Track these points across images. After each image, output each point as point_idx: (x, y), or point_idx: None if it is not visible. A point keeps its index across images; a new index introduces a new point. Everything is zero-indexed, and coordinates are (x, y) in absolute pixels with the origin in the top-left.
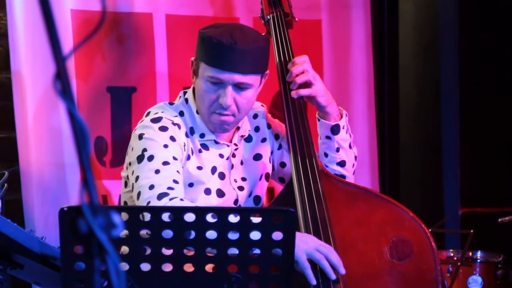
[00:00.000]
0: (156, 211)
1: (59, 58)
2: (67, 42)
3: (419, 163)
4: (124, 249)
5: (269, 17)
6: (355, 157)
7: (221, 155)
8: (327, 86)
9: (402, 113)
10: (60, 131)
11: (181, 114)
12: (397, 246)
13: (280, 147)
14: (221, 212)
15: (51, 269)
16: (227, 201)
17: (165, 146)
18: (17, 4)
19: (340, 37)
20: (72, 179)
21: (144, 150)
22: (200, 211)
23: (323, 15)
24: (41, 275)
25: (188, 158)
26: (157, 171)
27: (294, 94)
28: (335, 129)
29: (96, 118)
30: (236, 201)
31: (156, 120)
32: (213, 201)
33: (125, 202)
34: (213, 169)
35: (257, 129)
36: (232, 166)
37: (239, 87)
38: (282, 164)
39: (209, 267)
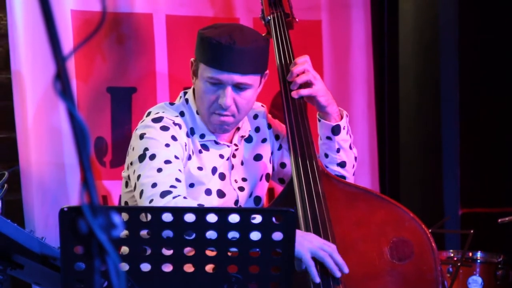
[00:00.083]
0: (156, 212)
1: (59, 58)
2: (67, 42)
3: (419, 163)
4: (124, 249)
5: (269, 18)
6: (355, 158)
7: (221, 156)
8: (327, 86)
9: (402, 113)
10: (60, 132)
11: (182, 114)
12: (397, 247)
13: (280, 148)
14: (221, 212)
15: (51, 270)
16: (227, 202)
17: (167, 145)
18: (17, 4)
19: (340, 37)
20: (72, 179)
21: (146, 149)
22: (200, 212)
23: (323, 16)
24: (41, 276)
25: (189, 158)
26: (159, 170)
27: (294, 94)
28: (336, 130)
29: (96, 119)
30: (236, 202)
31: (157, 120)
32: (213, 201)
33: (126, 202)
34: (214, 170)
35: (257, 129)
36: (233, 167)
37: (239, 87)
38: (282, 165)
39: (209, 268)
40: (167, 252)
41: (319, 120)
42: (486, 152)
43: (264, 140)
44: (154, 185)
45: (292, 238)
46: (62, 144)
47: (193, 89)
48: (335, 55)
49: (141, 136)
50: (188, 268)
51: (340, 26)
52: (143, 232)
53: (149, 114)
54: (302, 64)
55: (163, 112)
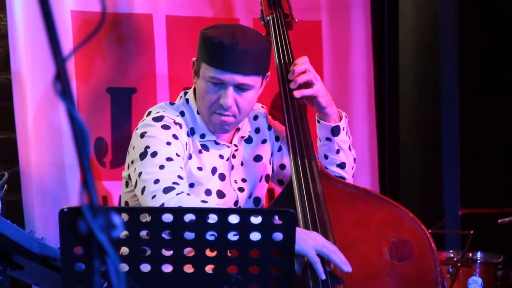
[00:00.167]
0: (156, 212)
1: (59, 59)
2: (67, 43)
3: (419, 163)
4: (124, 250)
5: (268, 18)
6: (354, 160)
7: (221, 156)
8: (327, 87)
9: (402, 113)
10: (60, 132)
11: (182, 114)
12: (397, 247)
13: (280, 149)
14: (221, 213)
15: (51, 270)
16: (227, 202)
17: (168, 143)
18: (17, 5)
19: (340, 37)
20: (72, 180)
21: (147, 147)
22: (200, 212)
23: (323, 16)
24: (41, 276)
25: (190, 157)
26: (161, 167)
27: (297, 93)
28: (335, 131)
29: (96, 119)
30: (236, 202)
31: (158, 119)
32: (213, 202)
33: (126, 202)
34: (214, 170)
35: (257, 130)
36: (232, 167)
37: (240, 88)
38: (282, 166)
39: (209, 268)
40: (167, 252)
41: (318, 121)
42: (486, 152)
43: (264, 141)
44: (156, 181)
45: (292, 238)
46: (62, 145)
47: (194, 89)
48: (335, 55)
49: (142, 135)
50: (188, 268)
51: (340, 27)
52: (143, 233)
53: (149, 113)
54: (303, 64)
55: (164, 111)
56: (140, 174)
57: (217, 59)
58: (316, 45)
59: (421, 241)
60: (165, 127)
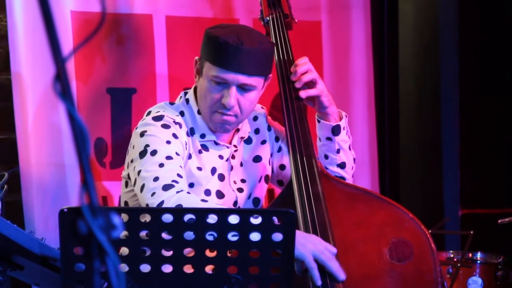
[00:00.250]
0: (156, 212)
1: (59, 59)
2: (67, 43)
3: (419, 163)
4: (124, 250)
5: (268, 19)
6: (354, 160)
7: (220, 156)
8: (327, 87)
9: (402, 113)
10: (60, 132)
11: (182, 114)
12: (396, 247)
13: (280, 150)
14: (221, 213)
15: (51, 271)
16: (226, 203)
17: (168, 142)
18: (17, 5)
19: (340, 38)
20: (72, 180)
21: (147, 145)
22: (200, 212)
23: (323, 16)
24: (41, 277)
25: (190, 157)
26: (161, 165)
27: (303, 94)
28: (336, 130)
29: (96, 120)
30: (235, 203)
31: (158, 118)
32: (213, 201)
33: (126, 202)
34: (213, 170)
35: (257, 131)
36: (232, 168)
37: (243, 88)
38: (282, 167)
39: (209, 268)
40: (167, 253)
41: (319, 121)
42: (486, 152)
43: (263, 142)
44: (156, 179)
45: (292, 239)
46: (62, 145)
47: (194, 89)
48: (335, 56)
49: (142, 134)
50: (188, 269)
51: (340, 27)
52: (143, 233)
53: (149, 113)
54: (305, 64)
55: (164, 111)
56: (139, 172)
57: (221, 59)
58: (316, 45)
59: (421, 242)
60: (165, 126)
